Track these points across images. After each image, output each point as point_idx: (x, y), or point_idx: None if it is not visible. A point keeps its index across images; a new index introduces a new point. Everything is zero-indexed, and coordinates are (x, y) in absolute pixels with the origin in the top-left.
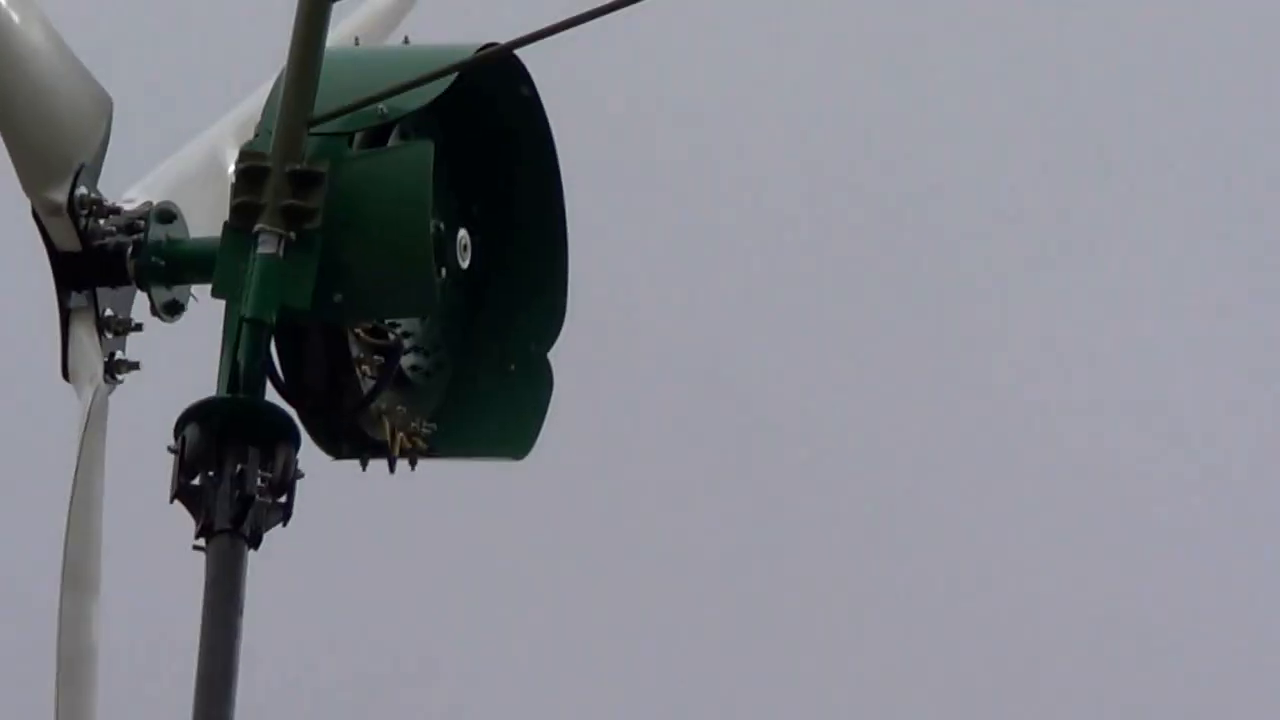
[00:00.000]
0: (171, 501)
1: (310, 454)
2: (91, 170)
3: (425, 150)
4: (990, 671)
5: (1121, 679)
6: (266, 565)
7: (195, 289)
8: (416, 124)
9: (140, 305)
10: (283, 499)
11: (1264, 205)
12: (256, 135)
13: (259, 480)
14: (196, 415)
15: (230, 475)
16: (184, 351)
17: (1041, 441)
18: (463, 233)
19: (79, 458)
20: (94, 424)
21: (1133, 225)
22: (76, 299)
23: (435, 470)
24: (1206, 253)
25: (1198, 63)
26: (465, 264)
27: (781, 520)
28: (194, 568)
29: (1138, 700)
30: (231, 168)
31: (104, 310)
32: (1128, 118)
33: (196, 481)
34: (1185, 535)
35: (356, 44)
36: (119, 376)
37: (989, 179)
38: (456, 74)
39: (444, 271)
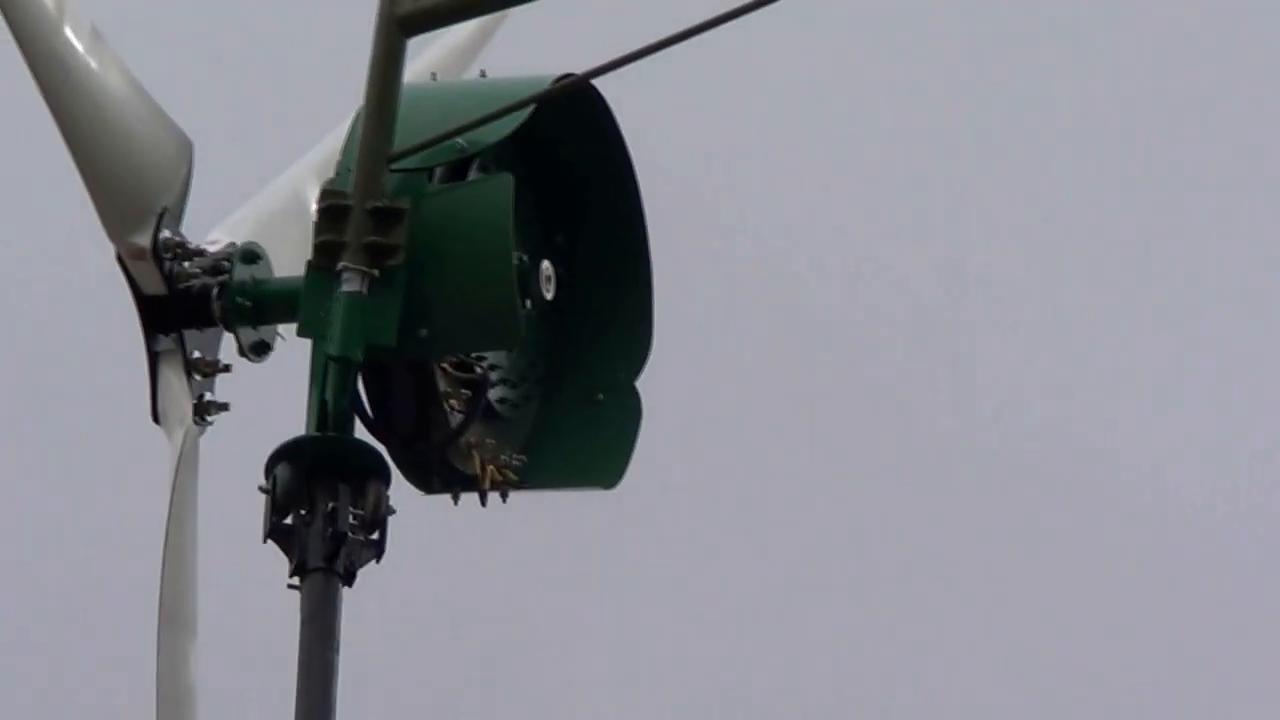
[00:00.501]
0: (265, 541)
1: (403, 489)
2: (174, 213)
3: (505, 183)
4: None
5: None
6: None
7: (282, 328)
8: (496, 156)
9: (228, 346)
10: (375, 535)
11: None
12: (337, 173)
13: (351, 518)
14: (287, 454)
15: (322, 513)
16: (273, 391)
17: None
18: (546, 264)
19: (171, 500)
20: (185, 466)
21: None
22: (164, 342)
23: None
24: None
25: None
26: (550, 295)
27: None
28: (289, 606)
29: None
30: (314, 206)
31: (192, 352)
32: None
33: (289, 521)
34: None
35: (434, 79)
36: (209, 418)
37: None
38: (534, 106)
39: (528, 303)
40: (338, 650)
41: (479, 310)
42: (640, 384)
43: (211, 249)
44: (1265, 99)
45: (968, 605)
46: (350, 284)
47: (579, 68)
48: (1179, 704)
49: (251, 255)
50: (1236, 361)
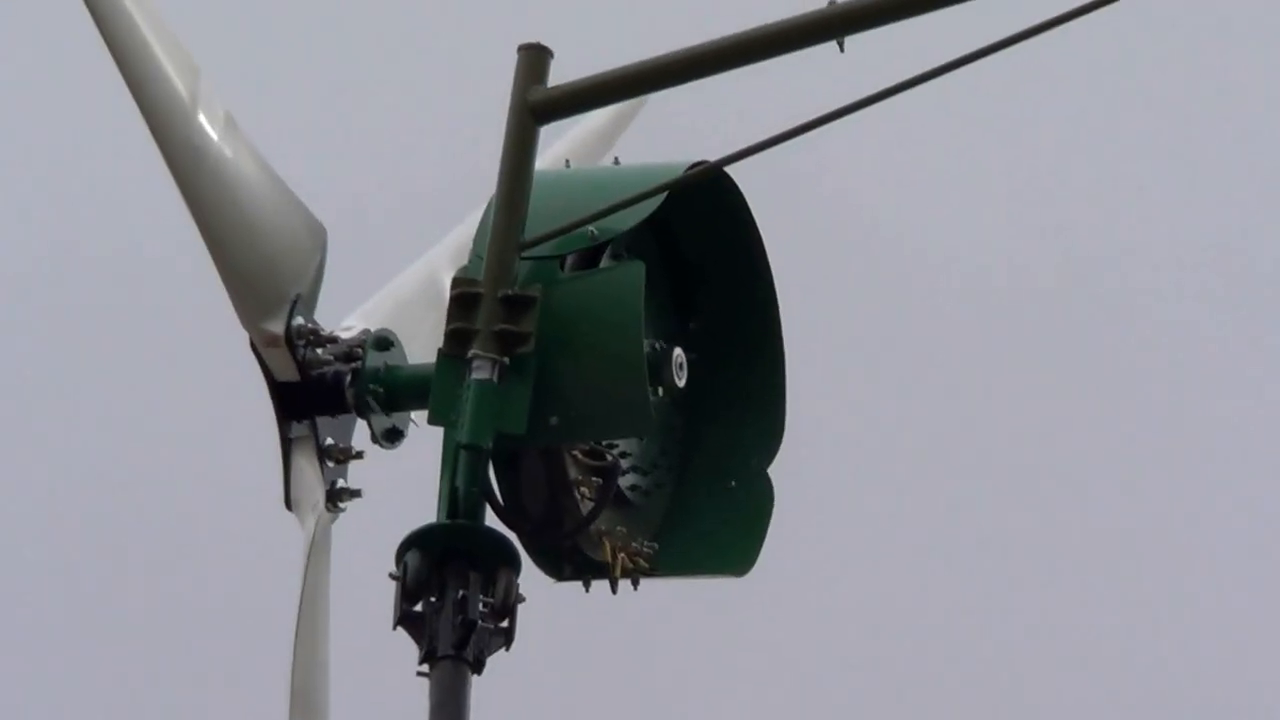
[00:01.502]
0: (395, 628)
1: (532, 577)
2: (308, 300)
3: (637, 271)
4: None
5: None
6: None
7: (415, 415)
8: (629, 244)
9: (360, 433)
10: (505, 623)
11: None
12: (469, 261)
13: (481, 605)
14: (417, 541)
15: (452, 601)
16: (405, 478)
17: None
18: (678, 351)
19: (303, 586)
20: (317, 553)
21: None
22: (297, 429)
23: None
24: None
25: None
26: (682, 382)
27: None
28: (418, 694)
29: None
30: (448, 294)
31: (324, 439)
32: None
33: (419, 608)
34: None
35: (567, 166)
36: (341, 505)
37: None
38: (666, 193)
39: (660, 390)
40: None
41: (610, 398)
42: (772, 471)
43: (345, 335)
44: None
45: None
46: (481, 371)
47: (712, 154)
48: None
49: (385, 342)
50: None
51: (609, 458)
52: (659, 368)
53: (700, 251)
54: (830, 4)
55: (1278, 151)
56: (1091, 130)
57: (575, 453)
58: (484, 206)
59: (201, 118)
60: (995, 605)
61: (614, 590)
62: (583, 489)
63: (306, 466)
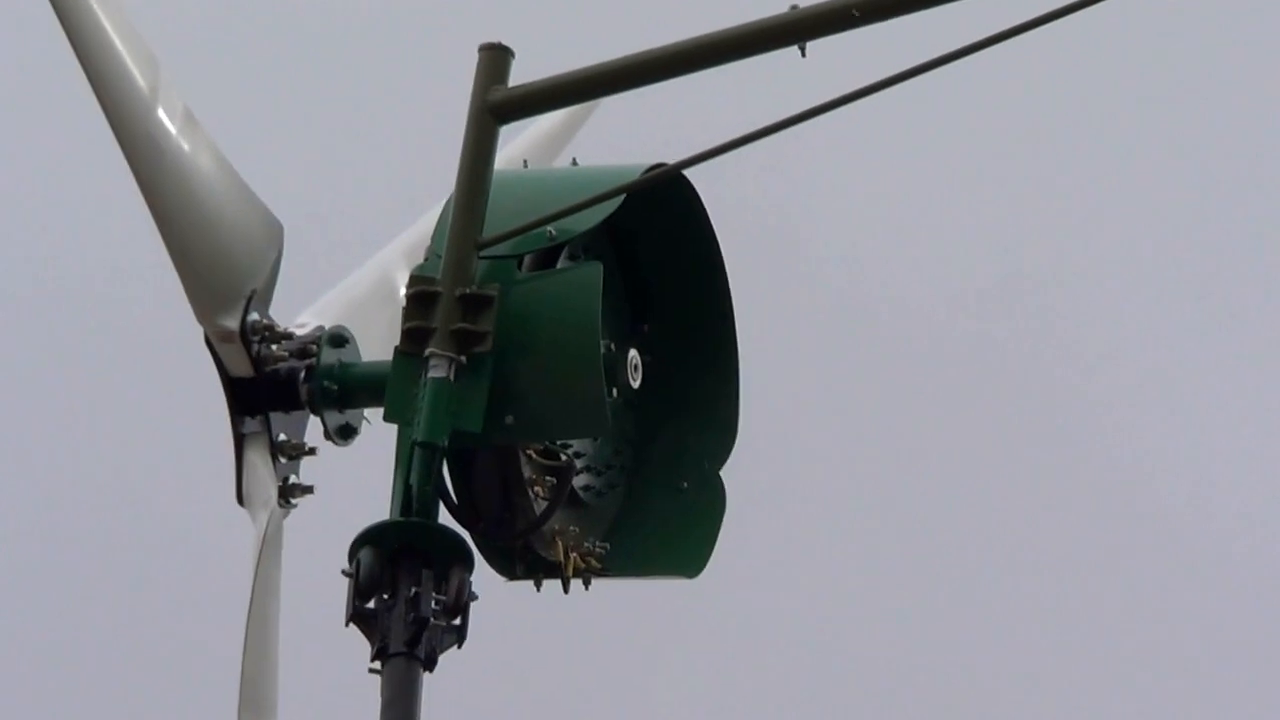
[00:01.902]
0: (347, 625)
1: (485, 576)
2: (263, 296)
3: (594, 273)
4: None
5: None
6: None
7: (368, 412)
8: (586, 244)
9: (314, 429)
10: (457, 621)
11: None
12: (426, 259)
13: (433, 603)
14: (371, 539)
15: (405, 598)
16: (358, 475)
17: None
18: (634, 353)
19: (254, 582)
20: (269, 548)
21: None
22: (250, 424)
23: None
24: None
25: None
26: (636, 384)
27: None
28: (370, 691)
29: None
30: (403, 291)
31: (278, 435)
32: None
33: (371, 605)
34: None
35: (525, 166)
36: (293, 501)
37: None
38: (625, 195)
39: (615, 392)
40: None
41: (566, 398)
42: (724, 473)
43: (299, 332)
44: None
45: None
46: (437, 370)
47: (671, 156)
48: None
49: (339, 339)
50: None
51: (563, 458)
52: (614, 369)
53: (657, 254)
54: (792, 8)
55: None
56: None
57: (530, 452)
58: (440, 205)
59: (160, 111)
60: (944, 607)
61: (565, 590)
62: (537, 489)
63: (259, 462)
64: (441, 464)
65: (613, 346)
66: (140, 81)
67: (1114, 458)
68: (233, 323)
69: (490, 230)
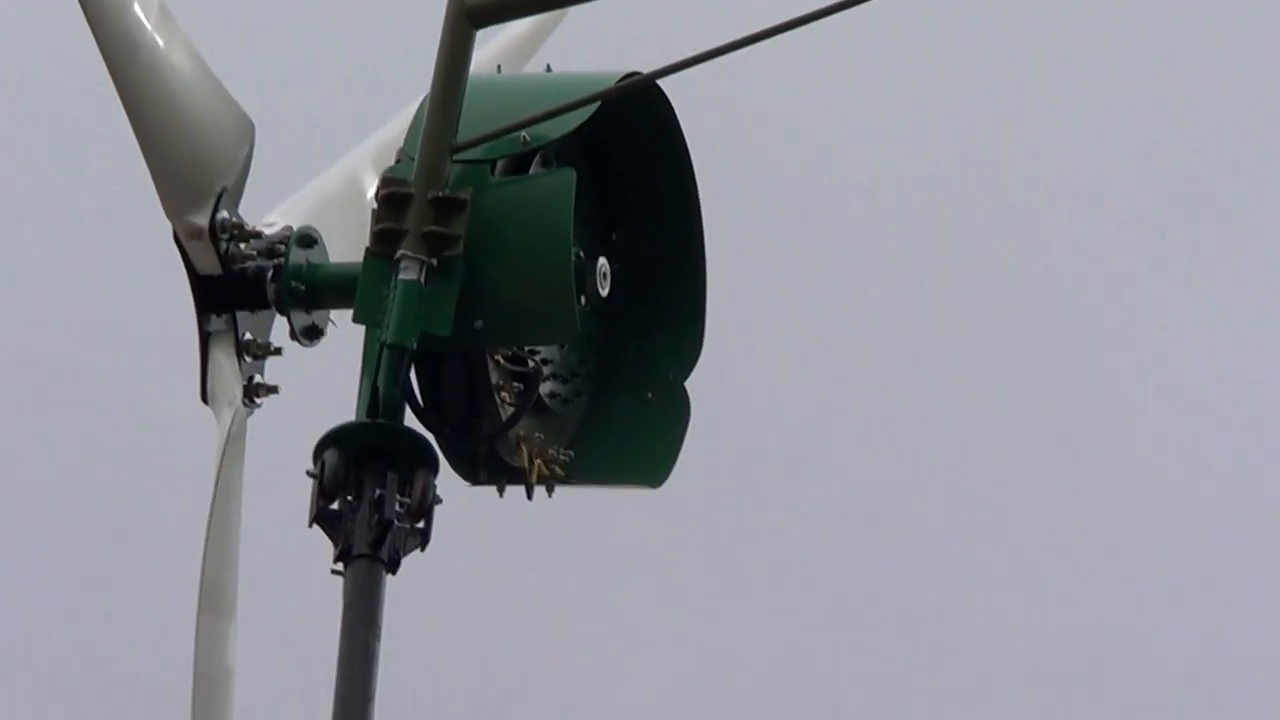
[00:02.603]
0: (310, 526)
1: (448, 479)
2: (233, 194)
3: (567, 179)
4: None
5: None
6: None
7: (334, 314)
8: (559, 152)
9: (280, 329)
10: (421, 524)
11: None
12: (399, 161)
13: (397, 505)
14: (335, 440)
15: (369, 500)
16: (323, 376)
17: None
18: (603, 261)
19: (217, 481)
20: (232, 447)
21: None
22: (216, 323)
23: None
24: None
25: None
26: (605, 292)
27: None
28: (332, 591)
29: None
30: (371, 193)
31: (243, 334)
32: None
33: (335, 506)
34: None
35: (499, 71)
36: (258, 400)
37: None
38: (599, 103)
39: (584, 300)
40: (379, 637)
41: (535, 304)
42: (690, 384)
43: (268, 231)
44: None
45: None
46: (408, 272)
47: (644, 66)
48: None
49: (307, 239)
50: None
51: (531, 364)
52: (584, 276)
53: (628, 163)
54: None
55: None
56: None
57: (497, 357)
58: (411, 108)
59: (137, 8)
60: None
61: (529, 496)
62: (503, 394)
63: (224, 361)
64: (409, 367)
65: (582, 254)
66: None
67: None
68: (202, 220)
69: (464, 135)
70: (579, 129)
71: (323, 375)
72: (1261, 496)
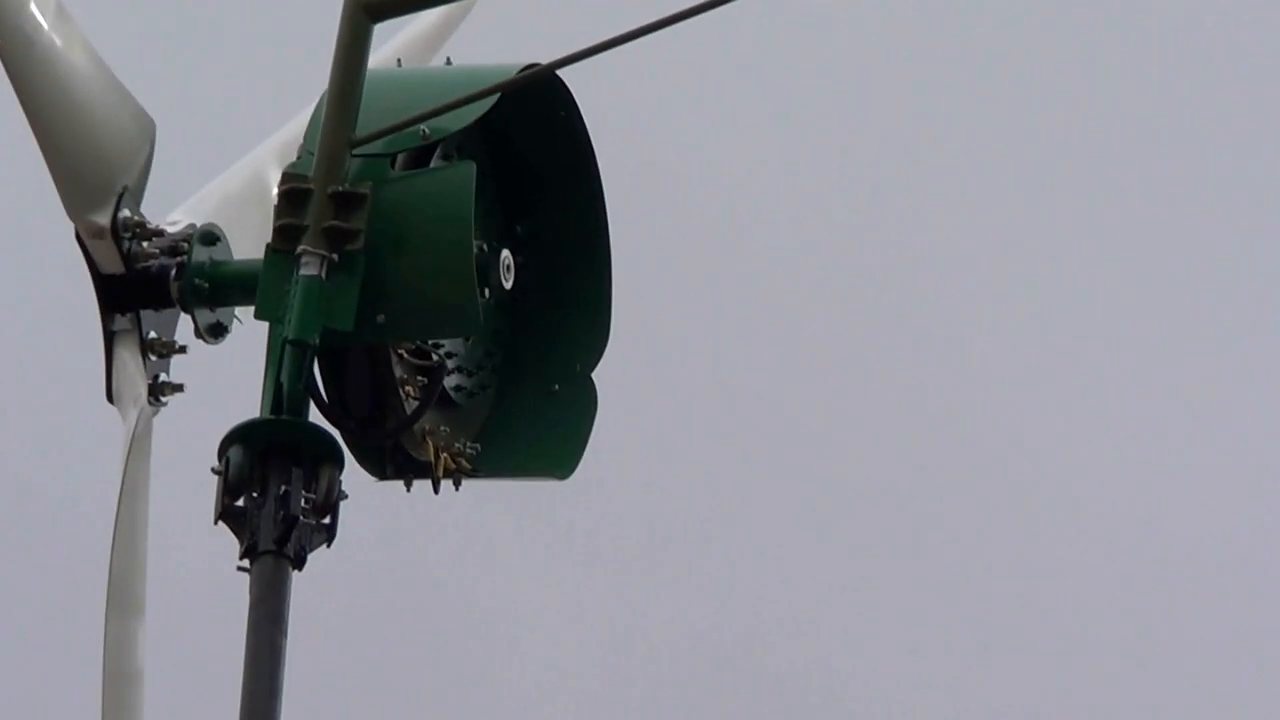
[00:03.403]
0: (216, 523)
1: (354, 475)
2: (134, 193)
3: (467, 171)
4: None
5: None
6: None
7: (239, 311)
8: (459, 144)
9: (184, 328)
10: (327, 520)
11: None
12: (299, 157)
13: (303, 501)
14: (240, 437)
15: (274, 496)
16: (228, 373)
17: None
18: (506, 253)
19: (123, 480)
20: (138, 446)
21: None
22: (120, 321)
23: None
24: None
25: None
26: (508, 284)
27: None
28: (239, 589)
29: None
30: (275, 189)
31: (148, 333)
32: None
33: (240, 503)
34: None
35: (399, 65)
36: (163, 399)
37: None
38: (498, 95)
39: (487, 292)
40: (286, 633)
41: (437, 297)
42: (596, 375)
43: (171, 229)
44: None
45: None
46: (309, 268)
47: (545, 58)
48: None
49: (211, 237)
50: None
51: (434, 358)
52: (486, 269)
53: (531, 155)
54: None
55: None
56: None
57: (401, 351)
58: (314, 104)
59: (33, 6)
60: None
61: (436, 490)
62: (407, 388)
63: (129, 360)
64: (312, 362)
65: (485, 247)
66: None
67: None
68: (104, 219)
69: (363, 129)
70: (480, 121)
71: (228, 373)
72: None
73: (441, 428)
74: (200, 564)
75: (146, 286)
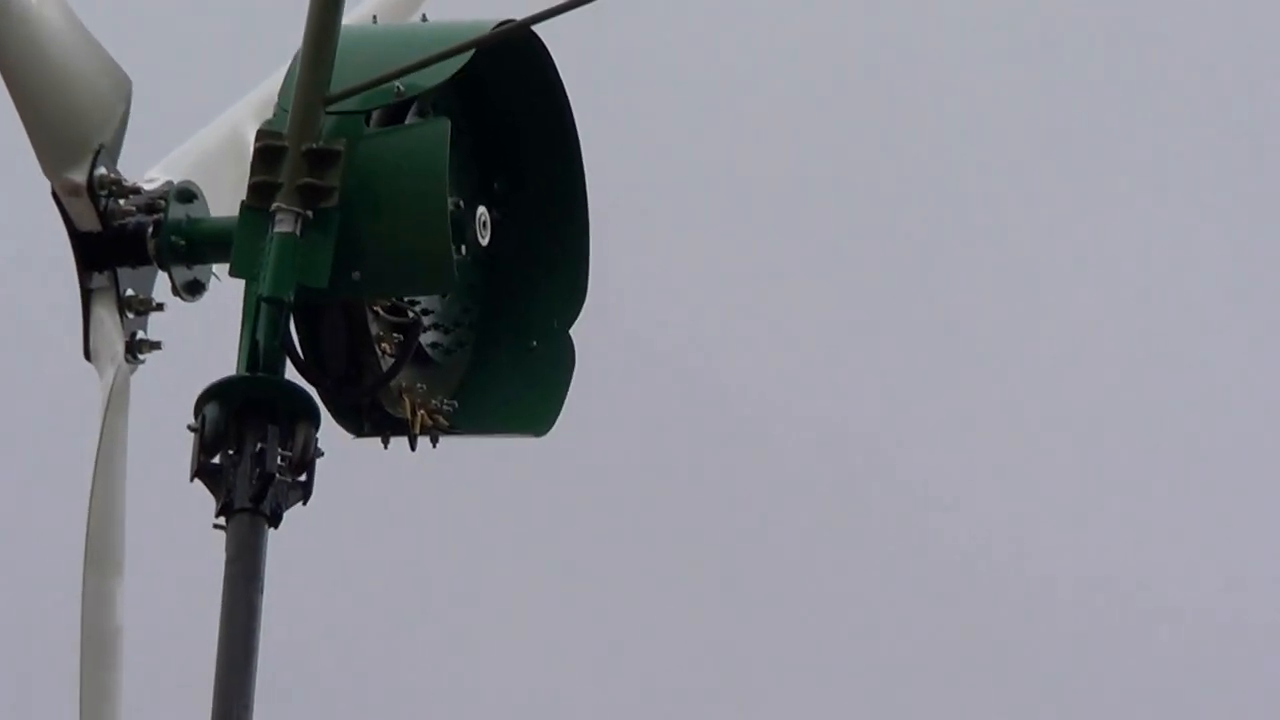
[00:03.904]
0: (192, 480)
1: (331, 432)
2: (111, 150)
3: (442, 128)
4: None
5: None
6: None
7: (216, 268)
8: (435, 101)
9: (161, 285)
10: (303, 477)
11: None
12: (274, 114)
13: (279, 459)
14: (216, 394)
15: (250, 454)
16: (205, 330)
17: None
18: (482, 209)
19: (101, 438)
20: (116, 404)
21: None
22: (98, 279)
23: (457, 447)
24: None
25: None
26: (485, 241)
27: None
28: (215, 546)
29: None
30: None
31: (125, 290)
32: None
33: (216, 460)
34: None
35: (374, 22)
36: (140, 356)
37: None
38: (473, 50)
39: (463, 249)
40: (262, 591)
41: (413, 254)
42: (574, 332)
43: (148, 187)
44: None
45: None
46: (284, 225)
47: (520, 13)
48: None
49: (187, 194)
50: None
51: (411, 314)
52: (462, 225)
53: (508, 112)
54: None
55: None
56: None
57: (377, 309)
58: (289, 61)
59: None
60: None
61: (413, 447)
62: (384, 345)
63: (106, 317)
64: (288, 320)
65: (461, 203)
66: None
67: None
68: (80, 176)
69: (338, 86)
70: (456, 77)
71: (207, 329)
72: None
73: (418, 385)
74: (177, 521)
75: (123, 244)
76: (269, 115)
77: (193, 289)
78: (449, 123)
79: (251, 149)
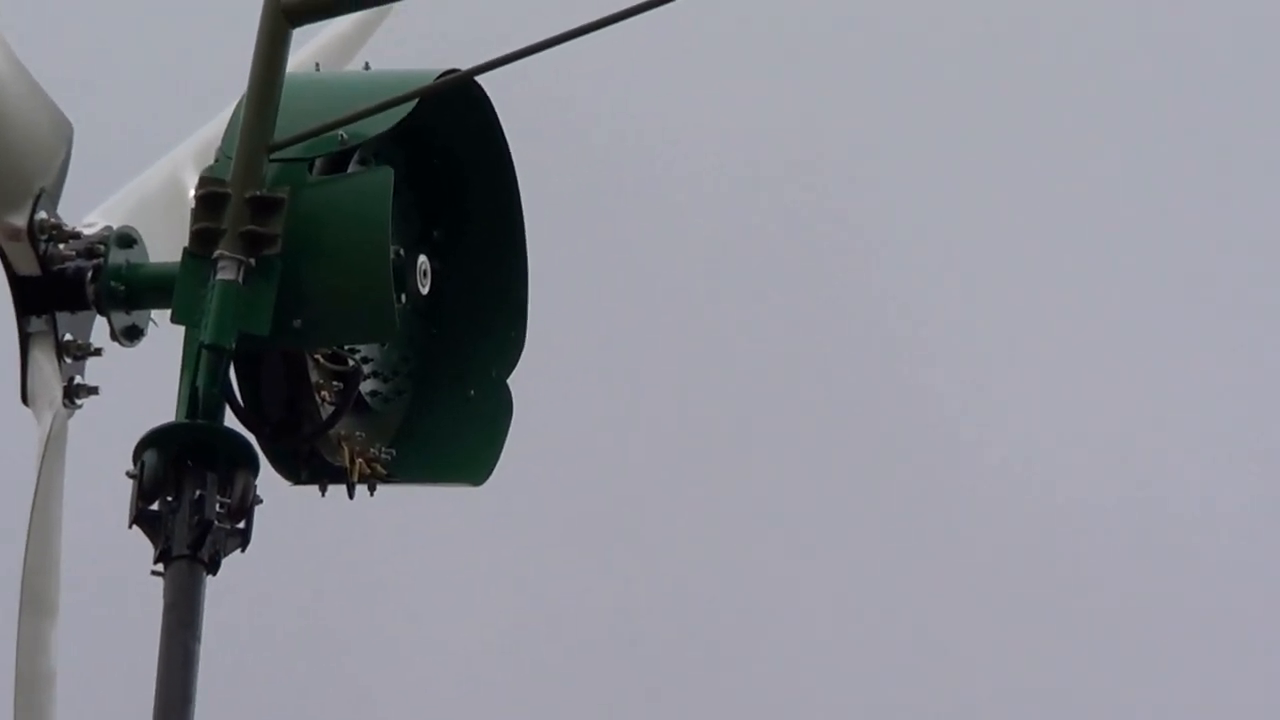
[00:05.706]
0: (130, 526)
1: (269, 480)
2: (51, 195)
3: (385, 177)
4: None
5: None
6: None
7: (155, 314)
8: (377, 150)
9: (100, 330)
10: (241, 524)
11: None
12: (217, 160)
13: (217, 506)
14: (155, 441)
15: (189, 501)
16: (143, 377)
17: None
18: (423, 258)
19: (38, 482)
20: (53, 449)
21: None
22: (36, 323)
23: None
24: None
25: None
26: (425, 290)
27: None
28: (152, 593)
29: None
30: (192, 192)
31: (63, 335)
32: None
33: (155, 507)
34: None
35: (318, 69)
36: (78, 401)
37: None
38: (417, 100)
39: (404, 298)
40: (199, 639)
41: (354, 303)
42: (511, 381)
43: (87, 232)
44: None
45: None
46: (226, 272)
47: (464, 63)
48: None
49: (127, 239)
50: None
51: (350, 363)
52: (403, 274)
53: (449, 161)
54: None
55: None
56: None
57: (317, 357)
58: (232, 107)
59: None
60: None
61: (350, 495)
62: (323, 393)
63: (44, 362)
64: (228, 367)
65: (402, 252)
66: None
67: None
68: (20, 221)
69: (281, 133)
70: (399, 127)
71: (144, 375)
72: None
73: (357, 433)
74: (115, 568)
75: (62, 288)
76: (209, 160)
77: (131, 334)
78: (392, 172)
79: (191, 194)
